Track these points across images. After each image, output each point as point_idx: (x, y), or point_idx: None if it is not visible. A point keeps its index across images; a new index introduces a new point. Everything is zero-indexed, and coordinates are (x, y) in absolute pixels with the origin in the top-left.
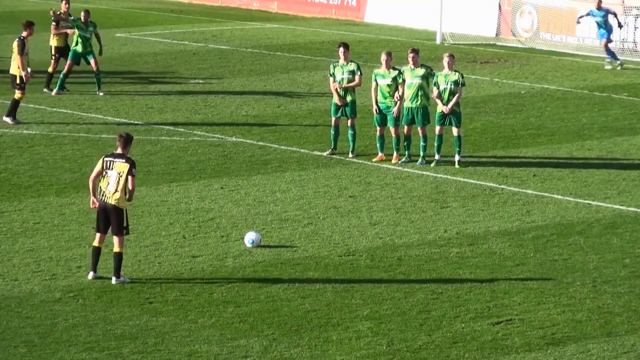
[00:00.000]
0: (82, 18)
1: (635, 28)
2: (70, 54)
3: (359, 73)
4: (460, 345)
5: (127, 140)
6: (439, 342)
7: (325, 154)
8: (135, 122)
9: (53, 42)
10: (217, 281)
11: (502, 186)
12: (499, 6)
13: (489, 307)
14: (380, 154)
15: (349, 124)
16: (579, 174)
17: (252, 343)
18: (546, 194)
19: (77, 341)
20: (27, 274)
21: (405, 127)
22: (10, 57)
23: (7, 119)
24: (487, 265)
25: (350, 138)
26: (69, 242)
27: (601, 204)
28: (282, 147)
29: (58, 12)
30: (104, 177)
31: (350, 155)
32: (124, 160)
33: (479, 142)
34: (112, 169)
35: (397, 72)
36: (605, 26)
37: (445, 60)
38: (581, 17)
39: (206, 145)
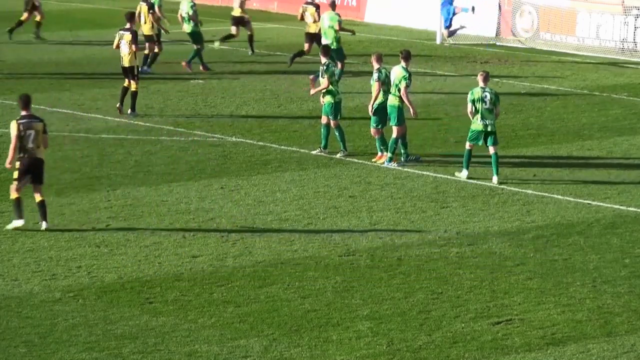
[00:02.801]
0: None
1: (635, 28)
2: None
3: (324, 76)
4: (460, 345)
5: (25, 101)
6: (439, 342)
7: (313, 152)
8: (135, 122)
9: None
10: (217, 281)
11: (502, 186)
12: (499, 6)
13: (489, 307)
14: (380, 153)
15: (332, 125)
16: (579, 174)
17: (252, 343)
18: (546, 194)
19: (77, 341)
20: (27, 274)
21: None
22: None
23: (131, 114)
24: (487, 265)
25: (337, 138)
26: (69, 242)
27: (601, 204)
28: (282, 147)
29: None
30: (23, 137)
31: (339, 154)
32: (38, 120)
33: None
34: (31, 128)
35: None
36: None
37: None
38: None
39: (206, 145)
